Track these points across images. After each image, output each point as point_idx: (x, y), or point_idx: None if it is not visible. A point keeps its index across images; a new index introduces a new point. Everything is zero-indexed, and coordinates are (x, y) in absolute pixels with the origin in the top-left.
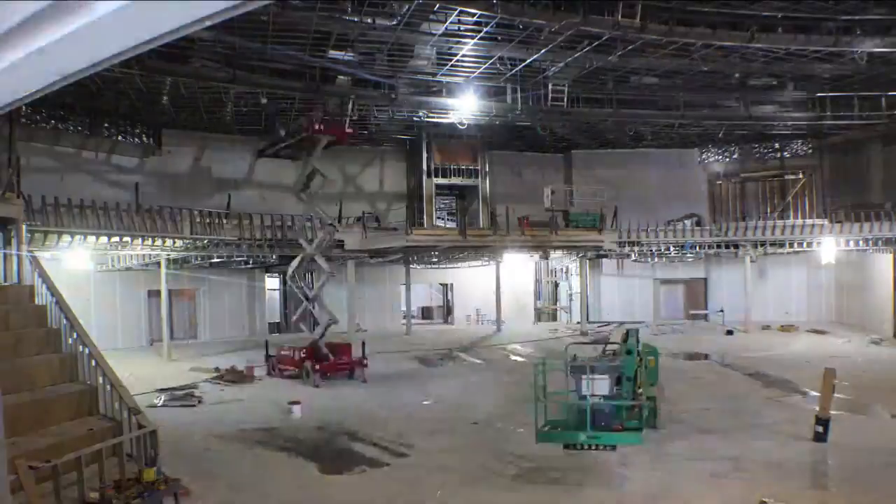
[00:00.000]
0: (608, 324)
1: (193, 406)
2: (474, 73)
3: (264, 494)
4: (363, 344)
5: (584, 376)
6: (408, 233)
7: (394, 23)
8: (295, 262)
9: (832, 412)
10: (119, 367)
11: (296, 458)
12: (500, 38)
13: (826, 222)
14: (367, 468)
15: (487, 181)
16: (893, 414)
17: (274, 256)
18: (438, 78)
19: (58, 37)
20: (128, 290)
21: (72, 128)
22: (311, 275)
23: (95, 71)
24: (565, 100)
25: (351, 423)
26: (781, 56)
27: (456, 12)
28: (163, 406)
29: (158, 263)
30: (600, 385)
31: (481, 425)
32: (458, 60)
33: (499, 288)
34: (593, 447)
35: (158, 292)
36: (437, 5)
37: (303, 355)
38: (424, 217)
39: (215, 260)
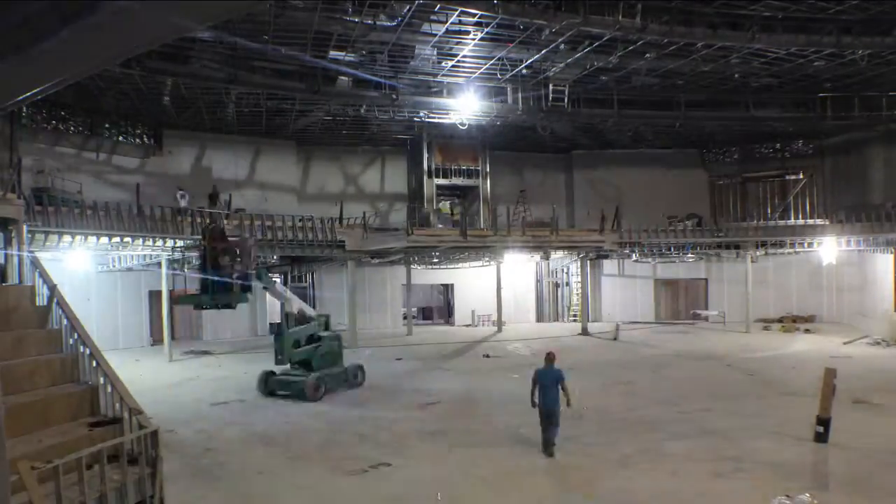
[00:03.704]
0: None
1: None
2: (475, 73)
3: (269, 496)
4: None
5: None
6: (409, 233)
7: (394, 23)
8: None
9: (833, 413)
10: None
11: (297, 459)
12: (500, 38)
13: (827, 222)
14: (368, 469)
15: (488, 181)
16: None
17: (275, 257)
18: (439, 78)
19: (58, 37)
20: (129, 291)
21: (73, 128)
22: (312, 275)
23: (95, 71)
24: (566, 100)
25: (355, 423)
26: (782, 56)
27: (457, 13)
28: None
29: (159, 264)
30: None
31: (483, 425)
32: (458, 61)
33: (499, 288)
34: None
35: (159, 293)
36: (438, 6)
37: None
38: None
39: None
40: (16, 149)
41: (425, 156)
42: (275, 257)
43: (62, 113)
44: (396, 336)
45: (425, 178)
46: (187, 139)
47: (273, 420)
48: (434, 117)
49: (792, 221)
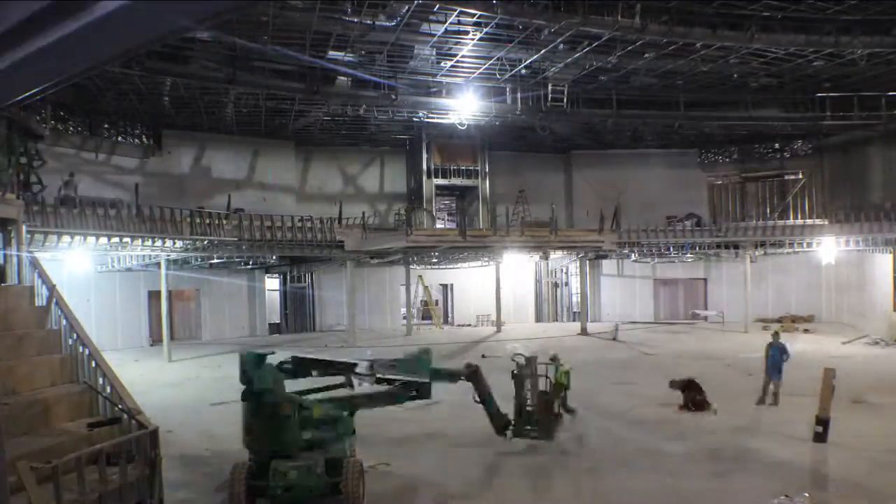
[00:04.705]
0: None
1: None
2: (474, 73)
3: None
4: None
5: None
6: (408, 233)
7: (393, 23)
8: None
9: (832, 413)
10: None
11: None
12: (499, 38)
13: (826, 222)
14: (368, 469)
15: (487, 182)
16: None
17: (273, 257)
18: (438, 78)
19: (58, 37)
20: (128, 291)
21: (72, 128)
22: (311, 275)
23: (95, 71)
24: (565, 100)
25: None
26: (781, 56)
27: (455, 13)
28: None
29: (158, 264)
30: None
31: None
32: (457, 61)
33: (499, 288)
34: None
35: (159, 293)
36: (437, 6)
37: None
38: (424, 217)
39: (215, 261)
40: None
41: (424, 156)
42: (274, 257)
43: (61, 113)
44: (396, 336)
45: (424, 178)
46: (186, 139)
47: None
48: (433, 117)
49: (791, 221)
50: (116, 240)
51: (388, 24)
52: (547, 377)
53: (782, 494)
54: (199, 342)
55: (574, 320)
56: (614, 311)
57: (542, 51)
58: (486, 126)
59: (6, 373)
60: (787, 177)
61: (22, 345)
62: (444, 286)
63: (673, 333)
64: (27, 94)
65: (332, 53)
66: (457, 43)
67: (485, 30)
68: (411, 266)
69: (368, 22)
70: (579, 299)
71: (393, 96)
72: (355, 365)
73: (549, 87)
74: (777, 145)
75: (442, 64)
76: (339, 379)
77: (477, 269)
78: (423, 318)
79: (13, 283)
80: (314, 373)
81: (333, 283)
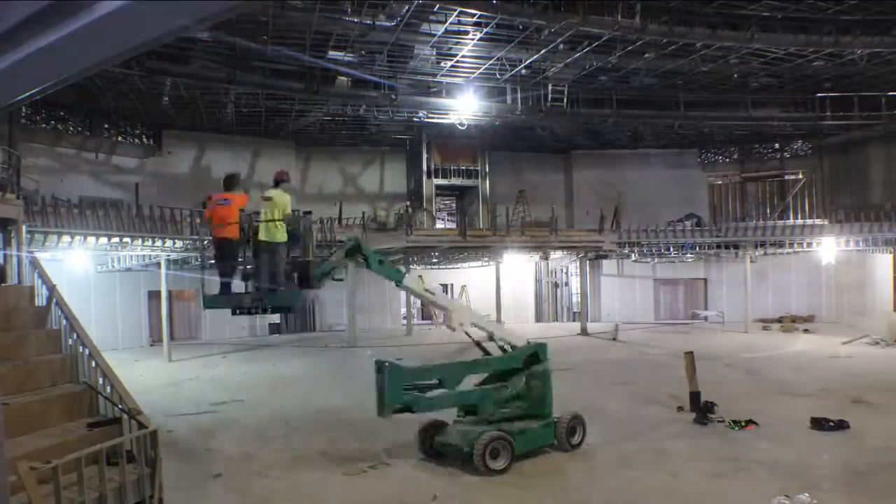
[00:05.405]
0: None
1: None
2: (474, 73)
3: (268, 496)
4: None
5: None
6: (408, 233)
7: (393, 23)
8: None
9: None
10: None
11: (298, 458)
12: (499, 38)
13: (826, 222)
14: (368, 469)
15: (487, 182)
16: None
17: None
18: (438, 79)
19: (58, 37)
20: (128, 291)
21: (72, 128)
22: None
23: (95, 71)
24: (565, 100)
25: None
26: (781, 56)
27: (456, 13)
28: None
29: (158, 264)
30: None
31: None
32: (457, 61)
33: (499, 288)
34: None
35: (159, 293)
36: (437, 6)
37: None
38: (424, 217)
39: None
40: (15, 148)
41: (424, 156)
42: None
43: (61, 113)
44: (396, 336)
45: (424, 178)
46: (187, 139)
47: (272, 420)
48: (433, 117)
49: (791, 221)
50: (116, 240)
51: (388, 24)
52: None
53: (782, 494)
54: (198, 342)
55: (574, 320)
56: (614, 312)
57: (542, 51)
58: (486, 126)
59: (6, 373)
60: (787, 177)
61: (22, 345)
62: (444, 286)
63: (673, 334)
64: (27, 94)
65: (332, 53)
66: (457, 43)
67: (485, 30)
68: (411, 266)
69: (368, 22)
70: (579, 299)
71: (393, 96)
72: None
73: (549, 87)
74: (777, 145)
75: (442, 64)
76: None
77: (477, 269)
78: (423, 318)
79: (13, 283)
80: None
81: (333, 283)
